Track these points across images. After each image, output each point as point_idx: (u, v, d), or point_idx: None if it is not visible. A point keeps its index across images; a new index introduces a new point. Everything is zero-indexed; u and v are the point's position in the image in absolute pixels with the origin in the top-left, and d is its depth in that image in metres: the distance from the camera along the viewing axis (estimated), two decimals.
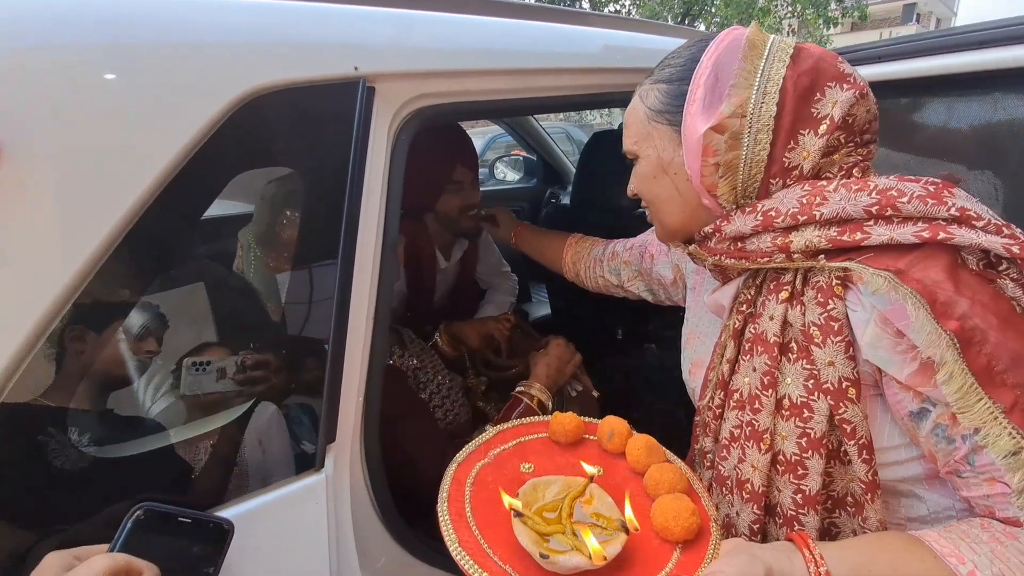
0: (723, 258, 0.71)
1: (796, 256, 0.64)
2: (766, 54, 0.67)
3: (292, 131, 0.73)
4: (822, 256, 0.63)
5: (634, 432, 0.78)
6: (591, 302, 1.96)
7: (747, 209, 0.68)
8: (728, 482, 0.76)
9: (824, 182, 0.65)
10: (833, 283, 0.63)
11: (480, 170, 4.09)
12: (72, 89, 0.60)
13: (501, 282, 1.96)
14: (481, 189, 3.52)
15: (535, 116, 3.16)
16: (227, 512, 0.66)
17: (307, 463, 0.74)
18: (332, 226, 0.72)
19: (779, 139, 0.65)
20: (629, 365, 1.90)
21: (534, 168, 3.39)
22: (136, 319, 0.73)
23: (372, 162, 0.80)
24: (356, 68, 0.77)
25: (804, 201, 0.63)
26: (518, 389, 1.20)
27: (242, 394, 0.70)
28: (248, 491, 0.69)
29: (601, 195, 1.71)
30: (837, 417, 0.64)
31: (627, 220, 1.71)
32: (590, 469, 0.68)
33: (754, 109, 0.65)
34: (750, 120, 0.65)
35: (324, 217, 0.75)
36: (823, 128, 0.64)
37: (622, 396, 1.84)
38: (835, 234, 0.62)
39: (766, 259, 0.67)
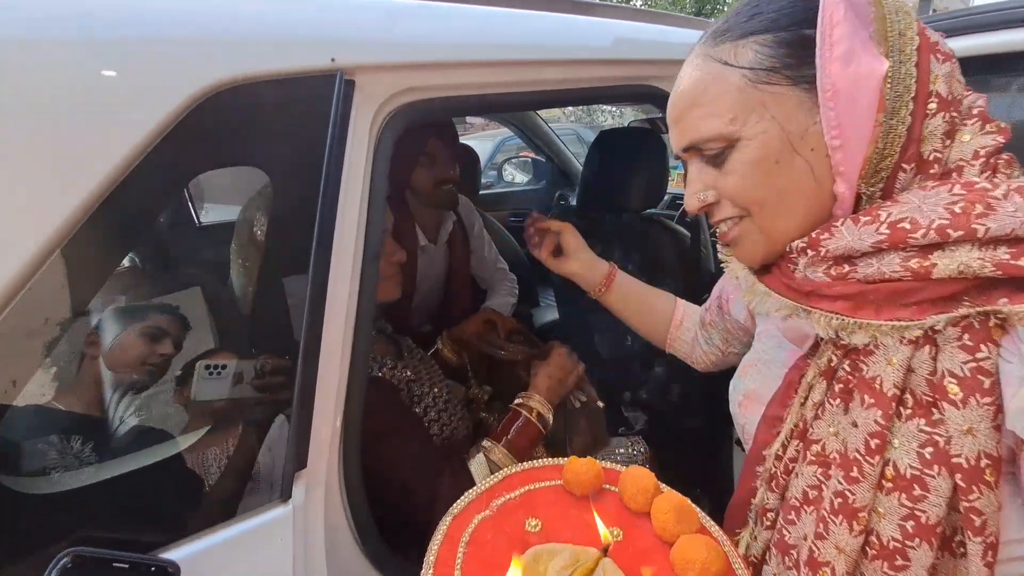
0: (843, 317, 0.52)
1: (963, 303, 0.48)
2: (884, 2, 0.52)
3: (262, 128, 0.67)
4: (1004, 299, 0.46)
5: (663, 488, 0.65)
6: (601, 312, 1.90)
7: (863, 219, 0.51)
8: (793, 553, 0.59)
9: (984, 184, 0.48)
10: (992, 323, 0.46)
11: (489, 172, 4.07)
12: (15, 83, 0.55)
13: (499, 281, 1.92)
14: (490, 192, 3.51)
15: (543, 117, 3.10)
16: (175, 553, 0.60)
17: (277, 493, 0.66)
18: (305, 232, 0.66)
19: (917, 112, 0.50)
20: (639, 375, 1.82)
21: (543, 170, 3.34)
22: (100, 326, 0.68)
23: (351, 162, 0.74)
24: (333, 59, 0.71)
25: (958, 210, 0.47)
26: (517, 401, 1.14)
27: (205, 416, 0.64)
28: (204, 527, 0.63)
29: (608, 196, 1.64)
30: (964, 504, 0.48)
31: (635, 222, 1.64)
32: (605, 532, 0.56)
33: (894, 70, 0.50)
34: (892, 82, 0.50)
35: (296, 222, 0.69)
36: (932, 106, 0.51)
37: (631, 408, 1.76)
38: (1006, 257, 0.45)
39: (911, 313, 0.49)
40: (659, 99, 1.23)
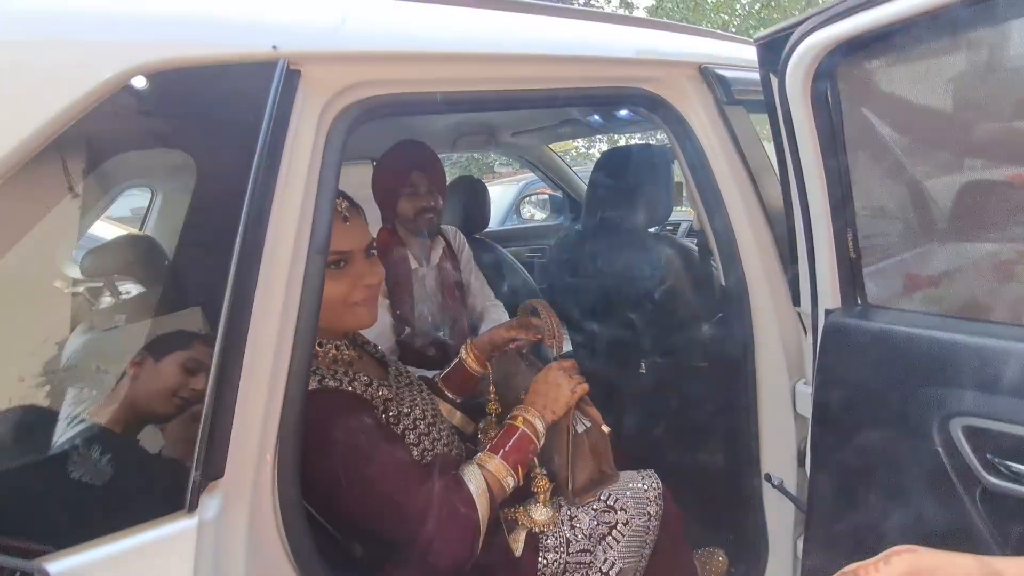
0: None
1: None
2: None
3: (186, 122, 0.64)
4: None
5: None
6: (611, 338, 1.81)
7: None
8: None
9: None
10: None
11: (513, 216, 4.08)
12: None
13: (487, 309, 1.96)
14: (506, 228, 3.51)
15: (558, 152, 3.10)
16: (55, 564, 0.52)
17: (174, 503, 0.58)
18: (228, 223, 0.61)
19: None
20: (655, 401, 1.69)
21: (560, 205, 3.33)
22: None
23: (293, 156, 0.70)
24: (275, 47, 0.69)
25: None
26: (509, 416, 1.07)
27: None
28: (85, 537, 0.54)
29: (613, 213, 1.58)
30: None
31: (641, 239, 1.56)
32: None
33: None
34: None
35: (217, 216, 0.63)
36: None
37: (645, 435, 1.63)
38: None
39: None
40: (651, 104, 1.18)
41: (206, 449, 0.56)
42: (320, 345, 0.98)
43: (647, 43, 1.19)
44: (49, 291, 0.63)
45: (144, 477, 0.60)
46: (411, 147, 1.77)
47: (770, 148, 1.27)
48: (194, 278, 0.65)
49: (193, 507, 0.57)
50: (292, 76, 0.70)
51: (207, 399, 0.56)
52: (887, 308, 0.98)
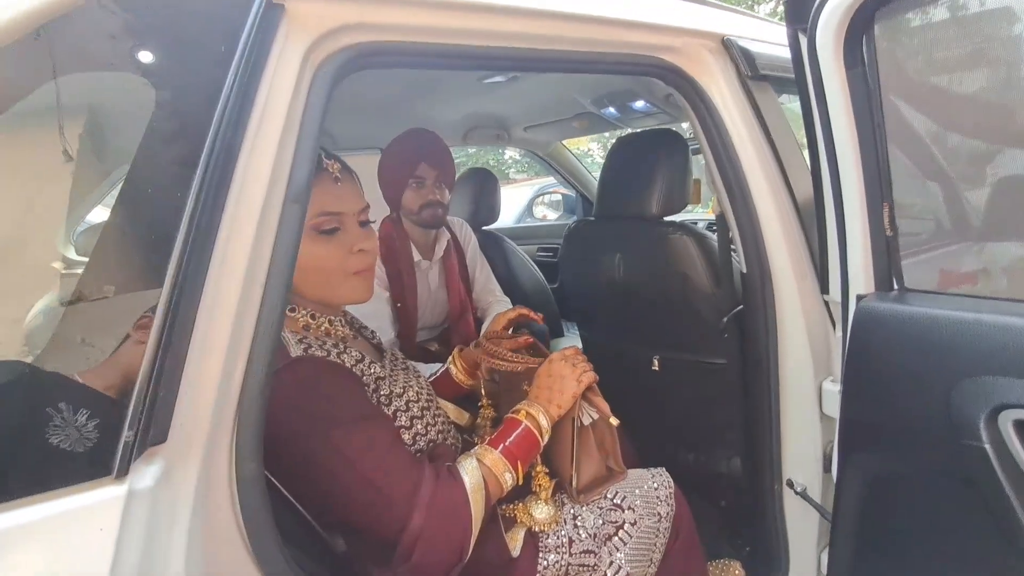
0: None
1: None
2: None
3: (146, 43, 0.57)
4: None
5: None
6: (623, 333, 1.73)
7: None
8: None
9: None
10: None
11: (527, 219, 4.04)
12: None
13: (491, 304, 1.93)
14: (518, 226, 3.47)
15: (571, 149, 3.05)
16: None
17: (99, 468, 0.49)
18: (188, 156, 0.54)
19: None
20: (668, 400, 1.60)
21: (573, 204, 3.28)
22: None
23: (271, 95, 0.63)
24: None
25: None
26: (511, 411, 0.99)
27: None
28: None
29: (627, 201, 1.50)
30: None
31: (656, 228, 1.48)
32: None
33: None
34: None
35: (178, 147, 0.56)
36: None
37: (658, 437, 1.54)
38: None
39: None
40: (668, 76, 1.11)
41: (144, 409, 0.49)
42: (313, 317, 0.91)
43: (666, 10, 1.11)
44: None
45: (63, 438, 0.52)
46: (420, 136, 1.69)
47: (799, 132, 1.19)
48: (144, 213, 0.57)
49: (123, 473, 0.49)
50: (274, 9, 0.64)
51: (148, 350, 0.49)
52: (927, 292, 0.88)
